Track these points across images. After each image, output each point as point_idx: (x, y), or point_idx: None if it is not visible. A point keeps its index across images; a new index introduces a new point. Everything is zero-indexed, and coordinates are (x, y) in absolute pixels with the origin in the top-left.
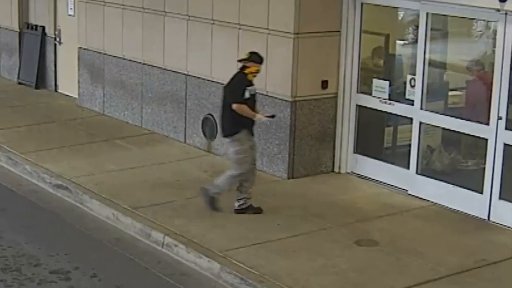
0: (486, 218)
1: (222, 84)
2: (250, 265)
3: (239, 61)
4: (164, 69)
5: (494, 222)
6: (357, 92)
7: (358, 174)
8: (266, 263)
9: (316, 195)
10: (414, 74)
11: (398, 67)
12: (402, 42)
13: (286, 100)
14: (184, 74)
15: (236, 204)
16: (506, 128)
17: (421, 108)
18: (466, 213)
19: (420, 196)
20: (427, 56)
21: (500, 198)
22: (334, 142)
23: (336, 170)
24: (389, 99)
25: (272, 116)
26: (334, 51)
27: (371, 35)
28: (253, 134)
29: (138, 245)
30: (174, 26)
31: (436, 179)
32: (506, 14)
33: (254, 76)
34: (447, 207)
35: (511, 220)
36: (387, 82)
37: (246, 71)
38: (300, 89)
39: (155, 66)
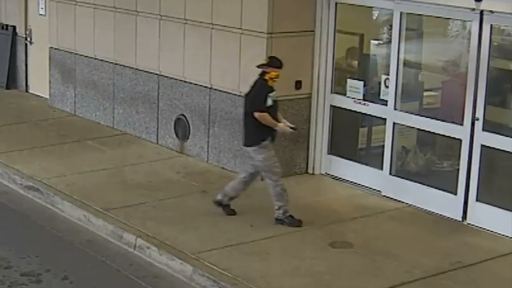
0: (461, 219)
1: (195, 84)
2: (223, 267)
3: (258, 66)
4: (136, 69)
5: (470, 224)
6: (331, 92)
7: (332, 176)
8: (239, 265)
9: (290, 196)
10: (389, 74)
11: (373, 67)
12: (376, 42)
13: None
14: (157, 74)
15: (219, 197)
16: (483, 130)
17: (395, 109)
18: (441, 214)
19: (395, 198)
20: (401, 56)
21: (477, 200)
22: (308, 143)
23: (310, 171)
24: (364, 99)
25: (294, 129)
26: (308, 51)
27: (345, 35)
28: (274, 140)
29: (110, 247)
30: (146, 25)
31: (411, 180)
32: (480, 13)
33: (274, 81)
34: (422, 208)
35: (488, 222)
36: (361, 83)
37: (266, 76)
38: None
39: (127, 66)
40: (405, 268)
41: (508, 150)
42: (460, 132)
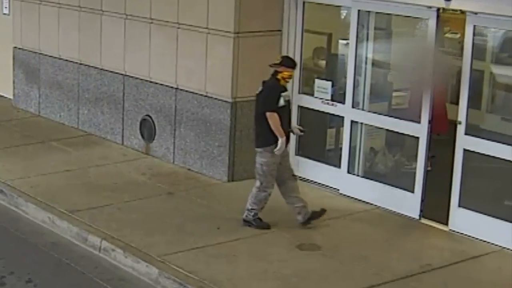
0: (418, 217)
1: (161, 84)
2: (189, 270)
3: (271, 66)
4: (101, 69)
5: (438, 228)
6: (299, 93)
7: (300, 177)
8: (205, 267)
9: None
10: (358, 75)
11: (341, 68)
12: (345, 41)
13: (226, 101)
14: (122, 74)
15: (300, 218)
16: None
17: (353, 107)
18: (410, 217)
19: (363, 199)
20: (360, 55)
21: (459, 205)
22: None
23: None
24: (332, 100)
25: (304, 131)
26: (275, 51)
27: (313, 35)
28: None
29: (75, 250)
30: (111, 25)
31: (379, 181)
32: (437, 11)
33: (287, 81)
34: (391, 210)
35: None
36: (329, 83)
37: (279, 76)
38: (241, 89)
39: (92, 66)
40: (374, 271)
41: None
42: (418, 130)
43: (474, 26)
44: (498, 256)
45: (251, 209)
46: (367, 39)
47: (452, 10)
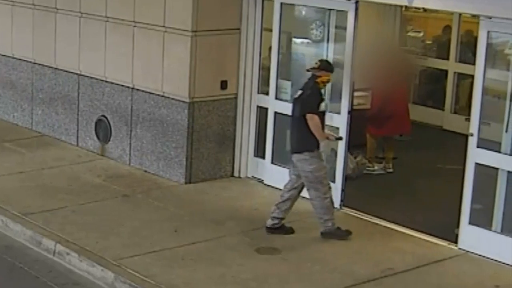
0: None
1: (117, 84)
2: (145, 274)
3: (309, 70)
4: (56, 68)
5: (401, 231)
6: (258, 92)
7: (259, 179)
8: (162, 272)
9: (215, 200)
10: None
11: (300, 67)
12: (304, 40)
13: (183, 101)
14: (77, 74)
15: (270, 222)
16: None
17: (276, 98)
18: (371, 220)
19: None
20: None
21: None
22: (234, 145)
23: (236, 174)
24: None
25: (340, 138)
26: (234, 50)
27: (272, 33)
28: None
29: (29, 253)
30: (66, 23)
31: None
32: (355, 3)
33: (325, 85)
34: (354, 213)
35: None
36: (289, 83)
37: (318, 80)
38: (198, 89)
39: (46, 66)
40: (335, 275)
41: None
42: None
43: (488, 32)
44: (463, 260)
45: (327, 219)
46: (328, 38)
47: (415, 8)
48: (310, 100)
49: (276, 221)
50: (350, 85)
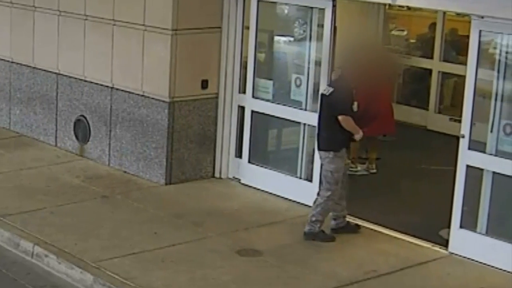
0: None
1: (96, 83)
2: (125, 277)
3: (339, 68)
4: (34, 67)
5: (384, 233)
6: (239, 92)
7: (239, 179)
8: (142, 274)
9: (196, 202)
10: (299, 73)
11: (283, 66)
12: (286, 39)
13: (163, 101)
14: (55, 73)
15: (333, 223)
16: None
17: (253, 97)
18: (354, 221)
19: (303, 202)
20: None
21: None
22: (215, 146)
23: (217, 175)
24: (273, 99)
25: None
26: (215, 49)
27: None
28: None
29: (6, 255)
30: (44, 22)
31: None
32: (333, 1)
33: (355, 84)
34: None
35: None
36: (271, 82)
37: (350, 79)
38: (179, 89)
39: (24, 65)
40: (317, 278)
41: None
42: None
43: (480, 31)
44: (447, 262)
45: (316, 220)
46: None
47: (399, 6)
48: (343, 100)
49: (339, 221)
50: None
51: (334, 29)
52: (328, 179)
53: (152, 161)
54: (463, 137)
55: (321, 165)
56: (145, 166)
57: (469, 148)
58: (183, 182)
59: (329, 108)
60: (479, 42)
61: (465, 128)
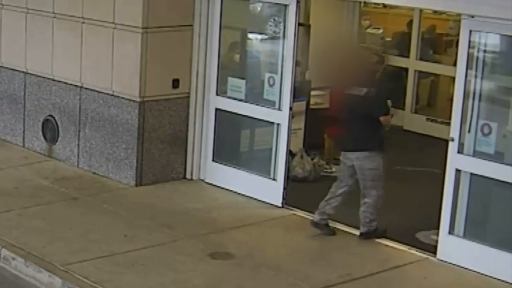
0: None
1: (65, 83)
2: (94, 280)
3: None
4: (1, 66)
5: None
6: (217, 94)
7: (208, 182)
8: (112, 277)
9: (167, 203)
10: (273, 72)
11: (256, 65)
12: (260, 37)
13: (133, 101)
14: (23, 72)
15: (318, 217)
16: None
17: (217, 94)
18: (330, 224)
19: (276, 204)
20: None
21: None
22: (186, 147)
23: (189, 176)
24: (246, 99)
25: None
26: (186, 47)
27: (227, 30)
28: None
29: None
30: (11, 19)
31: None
32: None
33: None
34: (311, 217)
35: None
36: (243, 81)
37: (377, 75)
38: (149, 88)
39: None
40: (291, 281)
41: None
42: (278, 117)
43: (470, 31)
44: (424, 265)
45: (371, 220)
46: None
47: (374, 3)
48: (382, 101)
49: (325, 217)
50: (292, 81)
51: (308, 27)
52: (372, 178)
53: (122, 162)
54: (452, 140)
55: (348, 165)
56: (115, 167)
57: (458, 152)
58: (154, 183)
59: (366, 108)
60: (469, 42)
61: (454, 131)
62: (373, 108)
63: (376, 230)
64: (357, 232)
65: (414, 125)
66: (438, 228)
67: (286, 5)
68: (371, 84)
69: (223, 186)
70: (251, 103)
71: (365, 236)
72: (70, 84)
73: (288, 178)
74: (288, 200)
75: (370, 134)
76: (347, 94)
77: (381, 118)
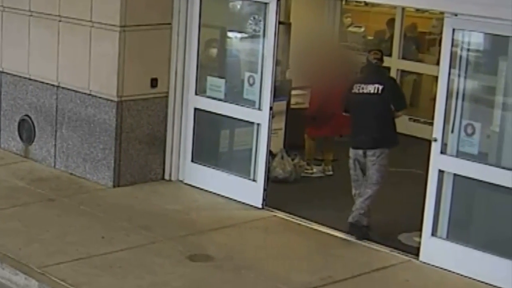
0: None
1: (41, 82)
2: (71, 283)
3: (377, 59)
4: None
5: (341, 237)
6: (196, 94)
7: (187, 183)
8: (89, 280)
9: (145, 205)
10: (253, 72)
11: (236, 64)
12: (239, 35)
13: (111, 100)
14: None
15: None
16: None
17: (196, 94)
18: (310, 225)
19: (255, 205)
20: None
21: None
22: (165, 147)
23: (167, 177)
24: (225, 99)
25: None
26: (165, 46)
27: (206, 28)
28: None
29: None
30: None
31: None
32: None
33: None
34: (292, 218)
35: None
36: (223, 80)
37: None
38: (127, 87)
39: None
40: (271, 284)
41: None
42: (259, 117)
43: (454, 29)
44: (407, 267)
45: (365, 213)
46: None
47: (356, 1)
48: (401, 95)
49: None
50: (272, 80)
51: (288, 26)
52: (382, 173)
53: (99, 163)
54: (435, 140)
55: (362, 162)
56: (92, 167)
57: (441, 152)
58: (132, 184)
59: (385, 105)
60: (453, 40)
61: (437, 131)
62: (396, 102)
63: (364, 228)
64: (338, 234)
65: (396, 125)
66: (420, 230)
67: (266, 3)
68: (379, 81)
69: (202, 187)
70: (231, 103)
71: (353, 226)
72: (47, 84)
73: (268, 179)
74: (269, 201)
75: (390, 130)
76: (359, 94)
77: (400, 113)
